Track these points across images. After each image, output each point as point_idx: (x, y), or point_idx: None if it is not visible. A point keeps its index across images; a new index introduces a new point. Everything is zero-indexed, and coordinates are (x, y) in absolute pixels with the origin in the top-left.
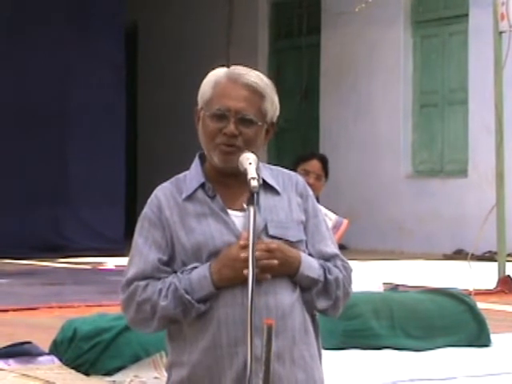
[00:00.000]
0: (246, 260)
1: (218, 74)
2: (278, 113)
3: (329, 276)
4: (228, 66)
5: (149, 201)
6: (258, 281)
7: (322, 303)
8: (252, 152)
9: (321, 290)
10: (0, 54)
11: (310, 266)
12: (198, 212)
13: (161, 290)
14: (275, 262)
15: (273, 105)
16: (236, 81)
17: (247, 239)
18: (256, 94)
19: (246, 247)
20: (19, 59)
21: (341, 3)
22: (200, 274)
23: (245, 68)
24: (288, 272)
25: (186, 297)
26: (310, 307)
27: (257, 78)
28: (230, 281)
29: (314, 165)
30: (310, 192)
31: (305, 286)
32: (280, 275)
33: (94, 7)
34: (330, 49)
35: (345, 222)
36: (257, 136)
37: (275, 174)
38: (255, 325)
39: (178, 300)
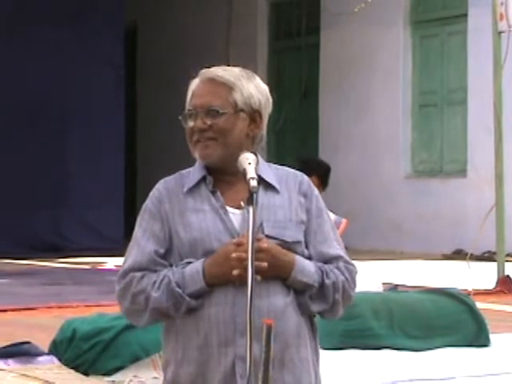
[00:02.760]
0: (236, 259)
1: (195, 79)
2: (255, 99)
3: (326, 280)
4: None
5: (150, 193)
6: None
7: (316, 307)
8: (225, 139)
9: (316, 294)
10: None
11: (304, 271)
12: (198, 207)
13: (155, 282)
14: (264, 264)
15: (242, 92)
16: (201, 79)
17: (242, 239)
18: (220, 85)
19: (238, 245)
20: (19, 59)
21: (340, 3)
22: (193, 269)
23: (217, 67)
24: (279, 275)
25: (177, 290)
26: (305, 310)
27: (222, 71)
28: (218, 278)
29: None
30: (316, 192)
31: (298, 290)
32: (272, 278)
33: (93, 7)
34: (330, 49)
35: (344, 221)
36: (230, 124)
37: (280, 174)
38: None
39: (169, 293)
